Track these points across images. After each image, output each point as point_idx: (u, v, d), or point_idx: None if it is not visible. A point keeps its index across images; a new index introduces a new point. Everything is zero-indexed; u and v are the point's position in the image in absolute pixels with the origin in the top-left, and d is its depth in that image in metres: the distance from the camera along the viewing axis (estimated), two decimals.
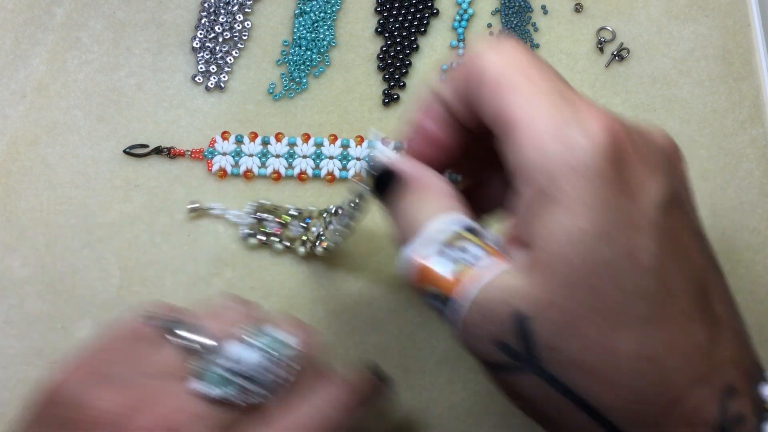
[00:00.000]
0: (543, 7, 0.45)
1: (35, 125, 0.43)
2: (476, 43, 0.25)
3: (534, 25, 0.45)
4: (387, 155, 0.27)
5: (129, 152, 0.42)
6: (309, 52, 0.44)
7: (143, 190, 0.41)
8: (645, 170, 0.22)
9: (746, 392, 0.23)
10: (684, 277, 0.22)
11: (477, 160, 0.29)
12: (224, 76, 0.44)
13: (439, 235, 0.24)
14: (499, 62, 0.24)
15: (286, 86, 0.44)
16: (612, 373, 0.22)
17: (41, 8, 0.45)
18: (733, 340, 0.23)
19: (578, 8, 0.45)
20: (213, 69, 0.44)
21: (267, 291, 0.39)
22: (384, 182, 0.27)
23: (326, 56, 0.44)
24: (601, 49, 0.44)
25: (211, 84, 0.44)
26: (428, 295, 0.24)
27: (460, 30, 0.45)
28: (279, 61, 0.44)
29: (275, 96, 0.44)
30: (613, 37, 0.44)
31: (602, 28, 0.45)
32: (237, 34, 0.45)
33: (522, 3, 0.45)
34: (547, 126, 0.22)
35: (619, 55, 0.44)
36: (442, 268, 0.24)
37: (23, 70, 0.44)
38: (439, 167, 0.27)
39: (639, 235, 0.21)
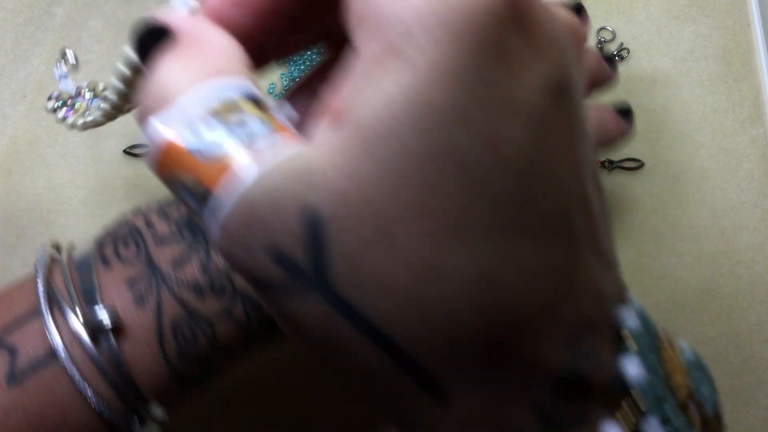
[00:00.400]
0: None
1: (35, 125, 0.43)
2: None
3: None
4: (174, 11, 0.20)
5: (129, 152, 0.42)
6: (309, 52, 0.44)
7: (143, 190, 0.41)
8: (537, 46, 0.17)
9: (607, 329, 0.19)
10: (556, 185, 0.17)
11: (304, 30, 0.23)
12: None
13: (203, 103, 0.17)
14: None
15: (286, 86, 0.44)
16: (433, 300, 0.16)
17: (41, 8, 0.45)
18: (608, 275, 0.19)
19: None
20: None
21: None
22: (149, 42, 0.19)
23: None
24: (601, 49, 0.44)
25: None
26: (179, 186, 0.17)
27: None
28: (279, 61, 0.44)
29: (275, 96, 0.44)
30: (613, 37, 0.44)
31: (602, 28, 0.45)
32: None
33: None
34: None
35: (619, 55, 0.44)
36: (200, 146, 0.17)
37: (23, 70, 0.44)
38: (253, 41, 0.20)
39: (510, 122, 0.16)
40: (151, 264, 0.27)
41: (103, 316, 0.26)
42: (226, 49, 0.19)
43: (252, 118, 0.17)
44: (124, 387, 0.26)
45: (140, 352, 0.26)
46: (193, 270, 0.27)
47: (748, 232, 0.41)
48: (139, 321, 0.26)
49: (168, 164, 0.17)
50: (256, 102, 0.18)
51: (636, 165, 0.42)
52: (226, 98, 0.17)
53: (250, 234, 0.16)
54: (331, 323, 0.16)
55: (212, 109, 0.17)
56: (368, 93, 0.16)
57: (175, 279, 0.27)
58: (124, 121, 0.43)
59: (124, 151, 0.42)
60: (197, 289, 0.27)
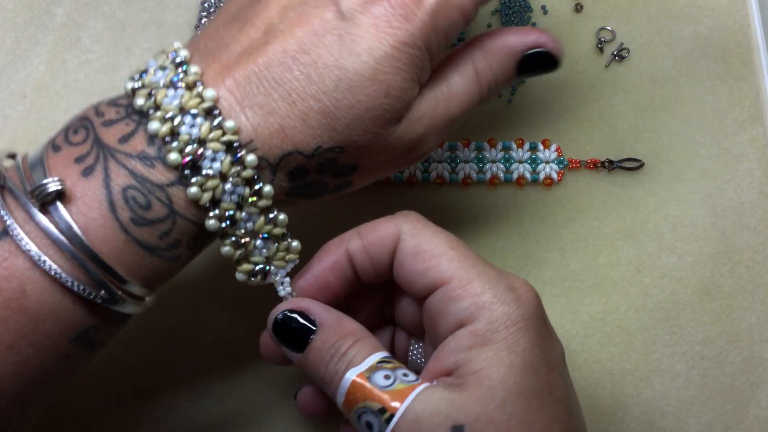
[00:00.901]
0: (543, 7, 0.45)
1: (35, 125, 0.43)
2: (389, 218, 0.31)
3: (534, 25, 0.45)
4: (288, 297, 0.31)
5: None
6: None
7: None
8: (551, 328, 0.29)
9: None
10: (576, 411, 0.29)
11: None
12: None
13: (371, 362, 0.28)
14: (413, 230, 0.30)
15: None
16: None
17: (41, 8, 0.45)
18: None
19: (578, 8, 0.45)
20: None
21: None
22: (295, 331, 0.30)
23: None
24: (601, 49, 0.44)
25: None
26: (362, 411, 0.27)
27: None
28: None
29: None
30: (613, 37, 0.44)
31: (602, 28, 0.45)
32: None
33: (522, 3, 0.45)
34: (484, 287, 0.28)
35: (619, 55, 0.44)
36: (378, 382, 0.27)
37: (23, 70, 0.44)
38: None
39: (554, 373, 0.27)
40: (98, 142, 0.28)
41: (51, 186, 0.26)
42: (354, 325, 0.29)
43: (399, 368, 0.28)
44: (82, 254, 0.27)
45: (92, 219, 0.27)
46: (139, 141, 0.28)
47: (748, 232, 0.41)
48: (88, 190, 0.27)
49: (355, 397, 0.27)
50: (390, 360, 0.28)
51: (636, 165, 0.42)
52: (379, 358, 0.28)
53: None
54: None
55: (377, 364, 0.28)
56: (474, 358, 0.27)
57: (122, 151, 0.28)
58: None
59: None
60: (145, 158, 0.28)
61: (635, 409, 0.39)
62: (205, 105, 0.28)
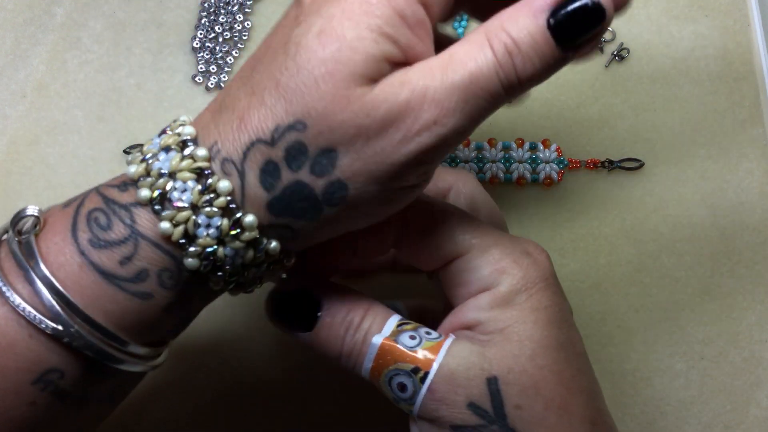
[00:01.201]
0: None
1: (35, 125, 0.43)
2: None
3: None
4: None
5: (129, 152, 0.42)
6: None
7: None
8: (561, 286, 0.30)
9: None
10: (591, 366, 0.30)
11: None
12: (224, 76, 0.44)
13: (392, 326, 0.28)
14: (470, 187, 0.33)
15: None
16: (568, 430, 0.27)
17: (41, 8, 0.45)
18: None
19: None
20: (213, 69, 0.44)
21: None
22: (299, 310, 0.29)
23: None
24: (601, 49, 0.44)
25: (212, 84, 0.44)
26: (393, 373, 0.27)
27: (461, 30, 0.45)
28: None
29: None
30: (613, 37, 0.44)
31: None
32: (237, 34, 0.45)
33: None
34: (502, 254, 0.28)
35: (619, 55, 0.44)
36: (406, 343, 0.27)
37: (23, 70, 0.44)
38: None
39: (573, 329, 0.29)
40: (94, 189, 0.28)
41: (29, 211, 0.26)
42: (358, 295, 0.29)
43: (419, 327, 0.28)
44: (36, 278, 0.25)
45: (53, 243, 0.26)
46: (124, 177, 0.27)
47: (748, 232, 0.41)
48: (60, 216, 0.27)
49: (385, 360, 0.27)
50: (407, 321, 0.29)
51: (636, 165, 0.42)
52: (398, 321, 0.28)
53: (452, 393, 0.26)
54: None
55: (397, 327, 0.28)
56: (502, 314, 0.27)
57: (107, 184, 0.27)
58: (124, 121, 0.43)
59: (125, 151, 0.42)
60: (122, 186, 0.27)
61: (635, 409, 0.39)
62: (182, 138, 0.26)
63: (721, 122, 0.43)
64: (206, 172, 0.25)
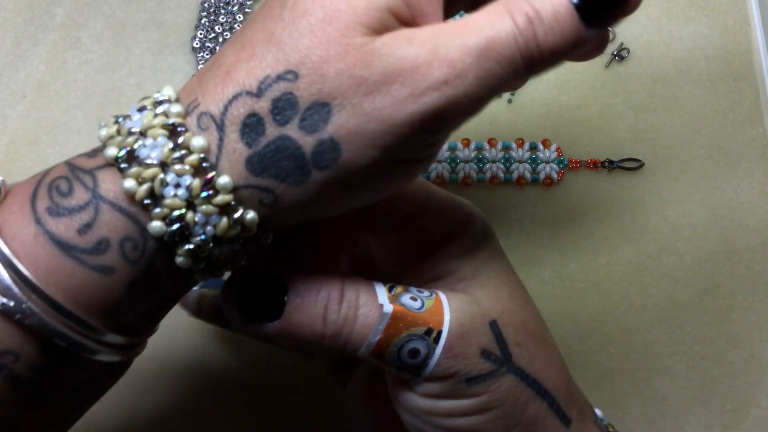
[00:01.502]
0: None
1: (35, 125, 0.43)
2: None
3: None
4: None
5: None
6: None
7: None
8: None
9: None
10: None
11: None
12: None
13: (386, 295, 0.27)
14: None
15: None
16: (556, 363, 0.29)
17: (41, 8, 0.45)
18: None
19: None
20: None
21: None
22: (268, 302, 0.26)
23: None
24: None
25: None
26: (405, 340, 0.26)
27: None
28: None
29: None
30: (613, 37, 0.44)
31: None
32: None
33: None
34: (459, 203, 0.30)
35: (619, 55, 0.44)
36: (413, 306, 0.26)
37: (23, 70, 0.44)
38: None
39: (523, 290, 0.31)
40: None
41: None
42: (325, 267, 0.28)
43: (410, 288, 0.27)
44: None
45: (10, 212, 0.24)
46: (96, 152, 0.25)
47: (748, 232, 0.41)
48: (23, 187, 0.25)
49: (397, 327, 0.26)
50: (393, 285, 0.27)
51: (636, 165, 0.42)
52: (387, 286, 0.27)
53: (466, 345, 0.26)
54: (517, 389, 0.27)
55: (390, 292, 0.27)
56: (476, 265, 0.29)
57: (79, 154, 0.25)
58: None
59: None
60: (91, 153, 0.25)
61: (635, 409, 0.39)
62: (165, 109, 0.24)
63: (721, 122, 0.43)
64: (179, 129, 0.23)
